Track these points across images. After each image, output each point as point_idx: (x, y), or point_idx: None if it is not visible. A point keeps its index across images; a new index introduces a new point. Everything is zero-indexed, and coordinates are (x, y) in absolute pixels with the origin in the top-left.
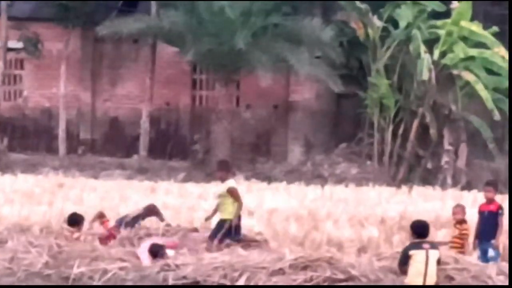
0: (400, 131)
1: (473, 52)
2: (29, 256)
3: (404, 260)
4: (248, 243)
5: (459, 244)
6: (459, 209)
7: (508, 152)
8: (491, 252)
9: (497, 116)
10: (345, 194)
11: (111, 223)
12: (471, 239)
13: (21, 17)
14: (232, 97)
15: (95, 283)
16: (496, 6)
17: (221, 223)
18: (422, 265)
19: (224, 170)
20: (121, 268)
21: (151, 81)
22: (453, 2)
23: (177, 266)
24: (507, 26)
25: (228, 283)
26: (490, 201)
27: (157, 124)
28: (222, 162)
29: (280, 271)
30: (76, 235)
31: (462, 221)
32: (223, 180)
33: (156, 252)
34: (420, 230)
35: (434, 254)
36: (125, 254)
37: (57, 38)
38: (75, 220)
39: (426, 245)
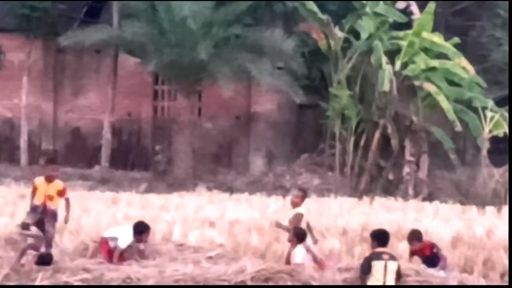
0: (362, 142)
1: (435, 63)
2: None
3: (367, 270)
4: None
5: None
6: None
7: (469, 163)
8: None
9: (458, 127)
10: (307, 205)
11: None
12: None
13: None
14: (194, 108)
15: None
16: (457, 17)
17: None
18: (381, 276)
19: (302, 197)
20: (82, 280)
21: (113, 91)
22: (415, 13)
23: (138, 279)
24: (468, 37)
25: None
26: (419, 250)
27: (119, 135)
28: (303, 189)
29: (242, 283)
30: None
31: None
32: (295, 205)
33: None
34: (380, 238)
35: (392, 265)
36: (87, 265)
37: (19, 49)
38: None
39: (385, 256)
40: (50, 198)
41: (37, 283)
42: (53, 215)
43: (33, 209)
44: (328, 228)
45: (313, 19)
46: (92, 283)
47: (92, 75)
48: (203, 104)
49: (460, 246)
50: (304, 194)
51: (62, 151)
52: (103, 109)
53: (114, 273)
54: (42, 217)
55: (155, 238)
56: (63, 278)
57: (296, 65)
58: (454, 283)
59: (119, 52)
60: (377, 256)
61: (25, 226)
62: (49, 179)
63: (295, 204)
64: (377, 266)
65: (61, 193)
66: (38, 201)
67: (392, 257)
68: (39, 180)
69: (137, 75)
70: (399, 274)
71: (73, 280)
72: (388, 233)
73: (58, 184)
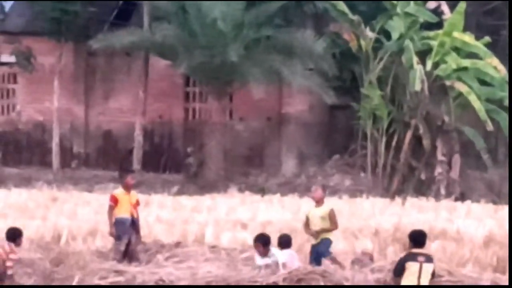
0: (393, 142)
1: (466, 62)
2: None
3: (400, 271)
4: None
5: None
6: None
7: (501, 162)
8: None
9: (490, 126)
10: (339, 206)
11: None
12: None
13: (14, 31)
14: (225, 109)
15: None
16: (488, 16)
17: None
18: (414, 278)
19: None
20: (115, 283)
21: (144, 94)
22: (445, 13)
23: (171, 281)
24: (499, 36)
25: None
26: None
27: (150, 137)
28: (324, 186)
29: (274, 285)
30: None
31: None
32: (321, 202)
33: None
34: (417, 239)
35: (428, 268)
36: (120, 267)
37: (50, 52)
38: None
39: (421, 258)
40: (135, 207)
41: (74, 283)
42: (138, 224)
43: (122, 222)
44: (360, 228)
45: (344, 19)
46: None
47: (123, 78)
48: (234, 106)
49: (493, 245)
50: (322, 187)
51: (93, 154)
52: (134, 111)
53: (147, 275)
54: (130, 230)
55: (187, 240)
56: (95, 280)
57: (327, 66)
58: (488, 283)
59: (149, 54)
60: (412, 258)
61: (118, 238)
62: (128, 189)
63: (319, 202)
64: (411, 268)
65: (138, 201)
66: (125, 213)
67: (429, 259)
68: (120, 192)
69: (168, 77)
70: (433, 274)
71: (106, 283)
72: (425, 234)
73: (134, 192)
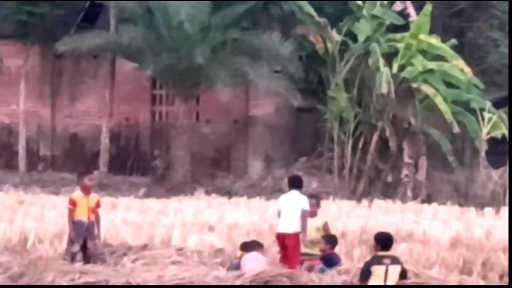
0: (360, 144)
1: (432, 65)
2: None
3: (366, 275)
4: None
5: None
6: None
7: (467, 164)
8: None
9: (456, 129)
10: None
11: None
12: None
13: None
14: (191, 112)
15: None
16: (454, 19)
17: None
18: (381, 281)
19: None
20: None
21: (110, 96)
22: (411, 15)
23: (138, 283)
24: (465, 38)
25: None
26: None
27: (117, 140)
28: (317, 196)
29: (241, 285)
30: None
31: None
32: (313, 215)
33: None
34: (384, 241)
35: (395, 269)
36: (86, 268)
37: (16, 55)
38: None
39: (386, 260)
40: (93, 211)
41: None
42: (93, 228)
43: (79, 225)
44: None
45: (310, 22)
46: None
47: (89, 81)
48: (201, 109)
49: (459, 247)
50: (318, 200)
51: (60, 156)
52: (101, 114)
53: (114, 277)
54: (86, 233)
55: (154, 243)
56: (62, 282)
57: (294, 68)
58: (454, 284)
59: (116, 57)
60: (377, 261)
61: (71, 240)
62: (87, 191)
63: (313, 214)
64: (377, 271)
65: (98, 204)
66: (83, 216)
67: (395, 261)
68: (78, 195)
69: (135, 80)
70: (404, 275)
71: (74, 284)
72: (392, 237)
73: (94, 195)
